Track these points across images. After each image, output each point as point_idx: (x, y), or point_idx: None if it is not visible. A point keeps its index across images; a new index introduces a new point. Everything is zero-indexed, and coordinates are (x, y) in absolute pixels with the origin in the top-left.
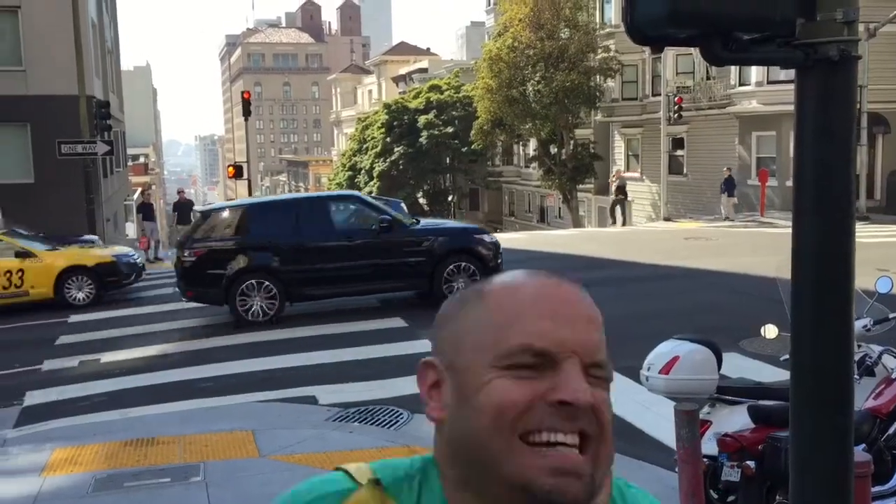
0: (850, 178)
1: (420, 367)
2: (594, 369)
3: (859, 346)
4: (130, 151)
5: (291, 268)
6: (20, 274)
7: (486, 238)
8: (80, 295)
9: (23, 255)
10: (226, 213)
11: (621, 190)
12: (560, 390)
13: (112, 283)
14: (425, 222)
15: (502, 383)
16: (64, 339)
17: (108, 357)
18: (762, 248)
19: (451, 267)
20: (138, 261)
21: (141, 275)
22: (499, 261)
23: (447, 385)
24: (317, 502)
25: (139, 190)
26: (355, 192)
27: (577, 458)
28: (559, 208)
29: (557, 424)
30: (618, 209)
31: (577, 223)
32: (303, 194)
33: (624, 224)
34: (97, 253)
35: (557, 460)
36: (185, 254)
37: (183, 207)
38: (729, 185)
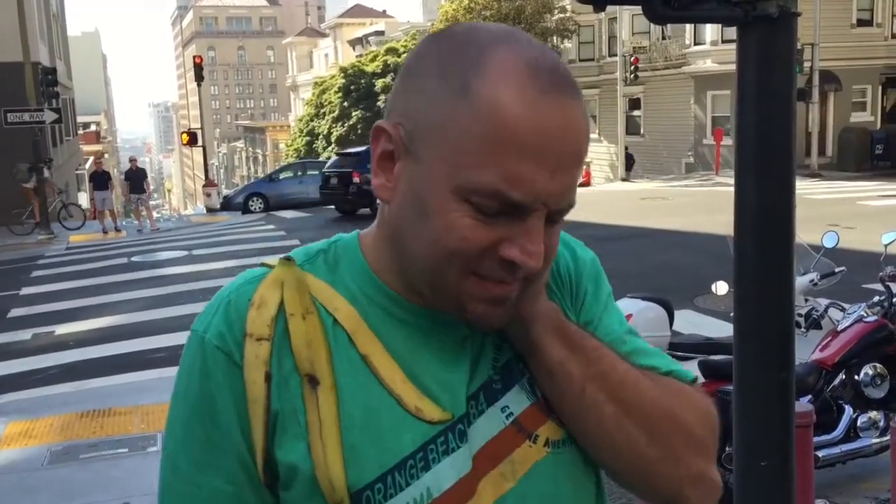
0: (791, 135)
1: (375, 131)
2: (557, 215)
3: (806, 301)
4: (81, 119)
5: None
6: None
7: None
8: None
9: None
10: None
11: None
12: (514, 247)
13: None
14: None
15: (461, 220)
16: (16, 313)
17: (61, 329)
18: (717, 207)
19: None
20: None
21: None
22: None
23: (400, 164)
24: (236, 292)
25: (91, 158)
26: None
27: (510, 287)
28: None
29: (504, 276)
30: None
31: None
32: None
33: None
34: None
35: (494, 289)
36: None
37: (135, 176)
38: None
